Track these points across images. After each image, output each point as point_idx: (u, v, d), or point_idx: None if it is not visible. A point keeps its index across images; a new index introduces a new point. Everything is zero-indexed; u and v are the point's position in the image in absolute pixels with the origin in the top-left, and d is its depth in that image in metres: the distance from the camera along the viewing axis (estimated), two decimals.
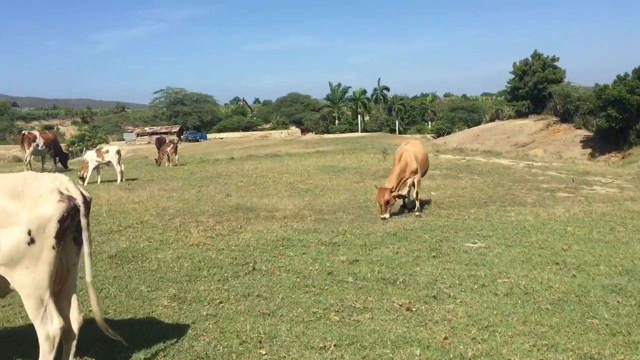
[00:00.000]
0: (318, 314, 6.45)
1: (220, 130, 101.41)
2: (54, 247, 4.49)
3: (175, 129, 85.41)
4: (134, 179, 21.25)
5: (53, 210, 4.43)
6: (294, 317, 6.34)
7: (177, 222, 11.94)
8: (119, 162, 20.27)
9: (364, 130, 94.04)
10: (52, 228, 4.45)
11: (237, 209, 13.78)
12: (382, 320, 6.18)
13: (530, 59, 72.13)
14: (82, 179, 19.94)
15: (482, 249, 9.33)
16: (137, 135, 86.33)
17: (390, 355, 5.29)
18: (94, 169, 20.16)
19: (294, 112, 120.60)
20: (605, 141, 57.56)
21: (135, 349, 5.42)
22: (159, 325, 6.19)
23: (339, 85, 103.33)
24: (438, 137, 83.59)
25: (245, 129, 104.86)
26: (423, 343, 5.50)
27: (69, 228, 4.59)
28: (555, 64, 70.92)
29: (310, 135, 61.62)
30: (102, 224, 11.44)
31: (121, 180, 20.18)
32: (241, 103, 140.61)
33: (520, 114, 74.15)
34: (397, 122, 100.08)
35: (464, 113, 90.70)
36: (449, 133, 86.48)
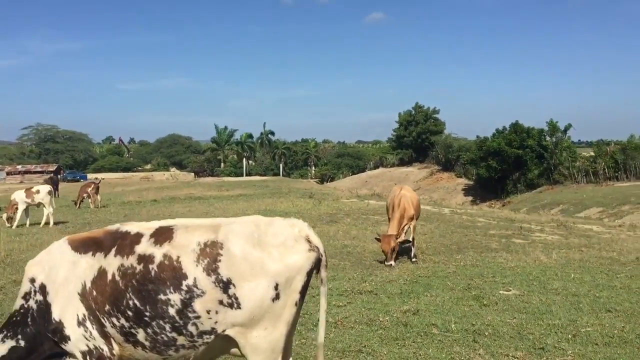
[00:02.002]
0: None
1: (97, 170, 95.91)
2: (296, 304, 3.96)
3: (52, 167, 79.52)
4: (63, 222, 19.42)
5: (303, 261, 3.91)
6: None
7: None
8: (50, 203, 18.44)
9: (249, 174, 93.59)
10: (299, 281, 3.92)
11: None
12: None
13: (412, 110, 76.35)
14: (9, 219, 17.91)
15: (520, 296, 9.50)
16: (7, 174, 79.28)
17: None
18: (23, 210, 18.16)
19: (174, 153, 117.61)
20: (485, 190, 61.64)
21: None
22: None
23: (225, 128, 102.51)
24: (322, 182, 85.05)
25: (125, 170, 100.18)
26: None
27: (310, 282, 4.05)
28: (436, 115, 75.67)
29: (210, 179, 60.11)
30: None
31: (53, 222, 18.37)
32: (117, 142, 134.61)
33: (403, 162, 77.79)
34: (281, 167, 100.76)
35: (350, 159, 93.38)
36: (332, 179, 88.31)
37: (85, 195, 24.69)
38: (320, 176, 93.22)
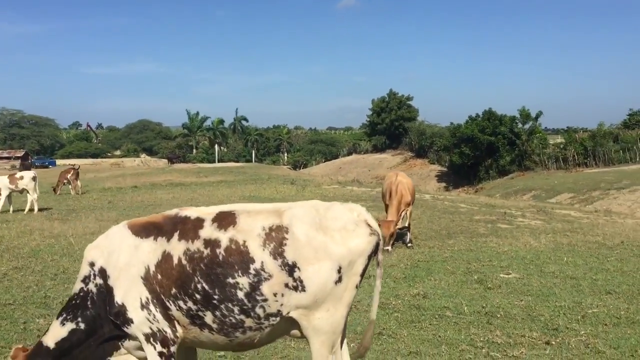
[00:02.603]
0: (471, 351, 6.37)
1: (64, 157, 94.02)
2: (356, 287, 4.08)
3: (19, 153, 77.81)
4: (47, 209, 19.14)
5: (365, 244, 4.00)
6: (453, 356, 6.20)
7: None
8: (35, 190, 18.14)
9: (220, 160, 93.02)
10: (361, 265, 4.03)
11: None
12: (540, 355, 6.25)
13: (387, 97, 76.69)
14: None
15: (520, 279, 9.78)
16: None
17: None
18: (6, 197, 17.82)
19: (144, 139, 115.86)
20: (458, 176, 62.41)
21: None
22: None
23: (197, 114, 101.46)
24: (295, 169, 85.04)
25: (94, 156, 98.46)
26: None
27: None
28: (410, 102, 76.18)
29: (185, 165, 59.53)
30: (68, 269, 10.15)
31: (37, 209, 18.09)
32: (85, 128, 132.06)
33: (377, 149, 78.20)
34: (253, 153, 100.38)
35: (323, 146, 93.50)
36: (305, 165, 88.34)
37: (65, 181, 24.31)
38: (293, 163, 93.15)
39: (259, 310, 3.88)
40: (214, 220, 4.05)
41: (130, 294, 4.01)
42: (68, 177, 24.27)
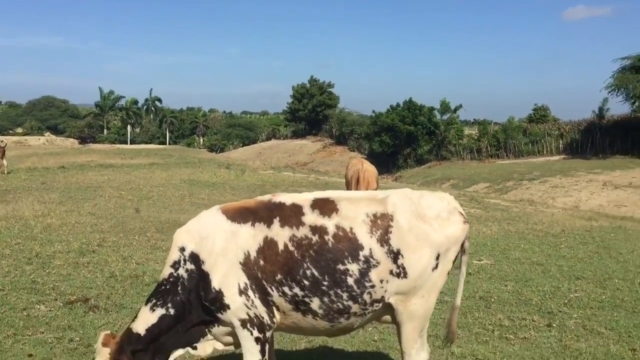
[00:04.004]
0: (485, 334, 6.71)
1: None
2: (448, 273, 4.24)
3: None
4: None
5: (459, 232, 4.17)
6: (470, 338, 6.52)
7: (143, 239, 10.95)
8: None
9: (132, 141, 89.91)
10: (454, 252, 4.20)
11: (177, 224, 12.82)
12: (547, 336, 6.69)
13: (307, 83, 76.85)
14: None
15: (493, 266, 10.31)
16: None
17: None
18: None
19: (48, 117, 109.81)
20: (377, 164, 63.07)
21: None
22: None
23: (111, 92, 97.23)
24: (211, 152, 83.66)
25: None
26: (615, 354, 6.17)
27: None
28: (331, 90, 76.74)
29: (102, 146, 56.96)
30: (41, 252, 9.61)
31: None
32: None
33: (297, 135, 78.35)
34: (167, 135, 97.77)
35: (241, 130, 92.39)
36: (222, 149, 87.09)
37: None
38: (210, 146, 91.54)
39: (366, 297, 3.96)
40: (314, 207, 4.07)
41: (228, 279, 3.97)
42: None
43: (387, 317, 4.23)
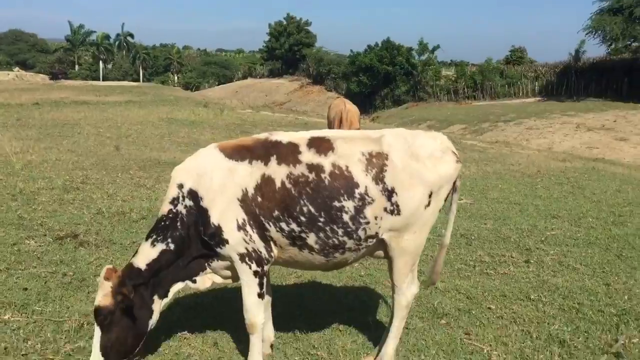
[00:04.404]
0: (467, 270, 6.99)
1: None
2: (439, 210, 4.37)
3: None
4: None
5: (452, 171, 4.30)
6: (452, 274, 6.79)
7: (126, 177, 11.00)
8: None
9: (105, 78, 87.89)
10: (446, 190, 4.33)
11: (158, 163, 12.90)
12: (526, 271, 6.99)
13: (284, 21, 75.36)
14: None
15: (472, 205, 10.57)
16: None
17: None
18: None
19: (16, 51, 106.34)
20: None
21: None
22: None
23: (81, 26, 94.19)
24: (186, 90, 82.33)
25: None
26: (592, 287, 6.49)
27: None
28: (308, 28, 75.42)
29: (75, 82, 55.46)
30: (24, 189, 9.56)
31: None
32: None
33: (274, 74, 77.33)
34: (141, 72, 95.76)
35: (216, 68, 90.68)
36: (197, 88, 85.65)
37: None
38: (185, 84, 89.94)
39: (360, 233, 4.09)
40: (310, 145, 4.14)
41: (226, 215, 4.06)
42: None
43: (380, 252, 4.39)
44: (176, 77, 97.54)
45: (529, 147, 26.24)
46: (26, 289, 5.59)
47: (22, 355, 4.39)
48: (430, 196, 4.18)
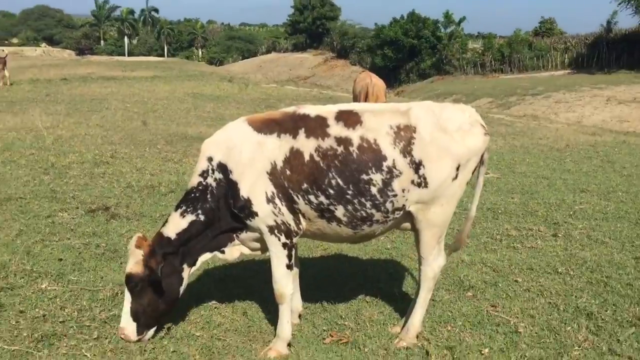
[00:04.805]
0: (494, 243, 6.98)
1: None
2: (466, 183, 4.37)
3: None
4: None
5: (480, 144, 4.28)
6: (479, 247, 6.79)
7: (154, 151, 11.15)
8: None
9: (130, 53, 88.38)
10: (474, 163, 4.33)
11: (185, 137, 13.03)
12: (553, 245, 6.96)
13: None
14: None
15: (499, 179, 10.50)
16: None
17: None
18: None
19: (43, 27, 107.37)
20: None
21: None
22: None
23: (106, 1, 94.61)
24: (211, 65, 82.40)
25: None
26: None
27: None
28: (332, 1, 74.71)
29: (101, 57, 56.05)
30: (56, 163, 9.78)
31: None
32: None
33: (297, 48, 76.93)
34: (165, 47, 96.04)
35: (241, 43, 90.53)
36: (221, 62, 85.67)
37: None
38: (209, 59, 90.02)
39: (388, 205, 4.12)
40: (338, 118, 4.16)
41: (255, 188, 4.11)
42: None
43: (407, 225, 4.42)
44: (200, 52, 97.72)
45: (557, 121, 25.84)
46: (61, 259, 5.75)
47: (60, 322, 4.54)
48: (457, 169, 4.18)
